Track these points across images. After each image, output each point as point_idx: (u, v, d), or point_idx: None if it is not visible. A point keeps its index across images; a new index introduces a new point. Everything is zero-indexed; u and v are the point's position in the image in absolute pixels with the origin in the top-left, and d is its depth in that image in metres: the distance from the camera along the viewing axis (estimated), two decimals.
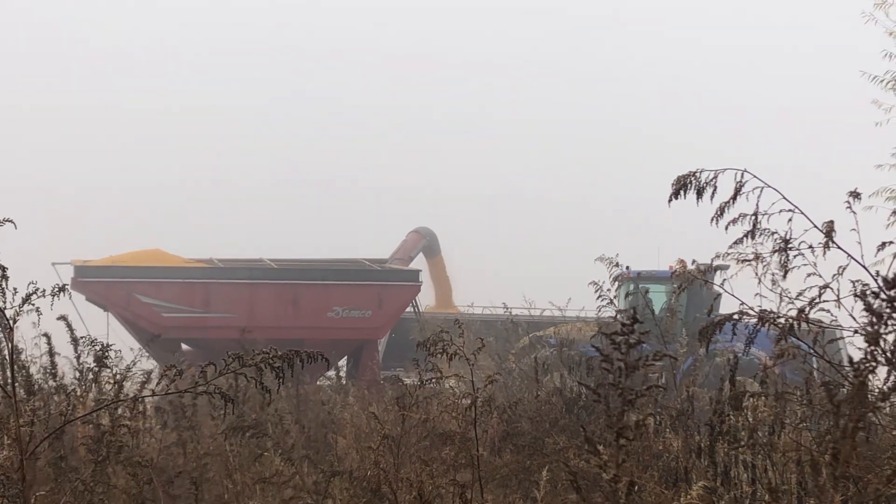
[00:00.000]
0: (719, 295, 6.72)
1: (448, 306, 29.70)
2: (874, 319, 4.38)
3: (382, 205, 52.33)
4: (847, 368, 4.65)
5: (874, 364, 4.39)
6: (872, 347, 4.36)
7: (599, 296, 9.73)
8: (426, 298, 28.33)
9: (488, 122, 63.71)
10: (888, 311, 4.36)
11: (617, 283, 19.14)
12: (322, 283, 23.87)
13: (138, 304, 22.76)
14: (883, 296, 4.41)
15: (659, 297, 19.10)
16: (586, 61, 64.99)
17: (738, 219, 5.51)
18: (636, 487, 6.36)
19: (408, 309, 25.05)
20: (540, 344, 18.88)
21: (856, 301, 4.66)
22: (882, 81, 15.25)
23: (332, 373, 17.84)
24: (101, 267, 23.29)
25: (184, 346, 23.33)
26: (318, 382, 17.36)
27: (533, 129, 61.94)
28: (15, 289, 5.11)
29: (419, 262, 28.75)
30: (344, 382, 16.80)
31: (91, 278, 22.81)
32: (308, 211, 51.27)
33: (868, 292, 4.54)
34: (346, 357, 24.40)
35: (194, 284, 23.27)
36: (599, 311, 9.93)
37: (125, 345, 19.78)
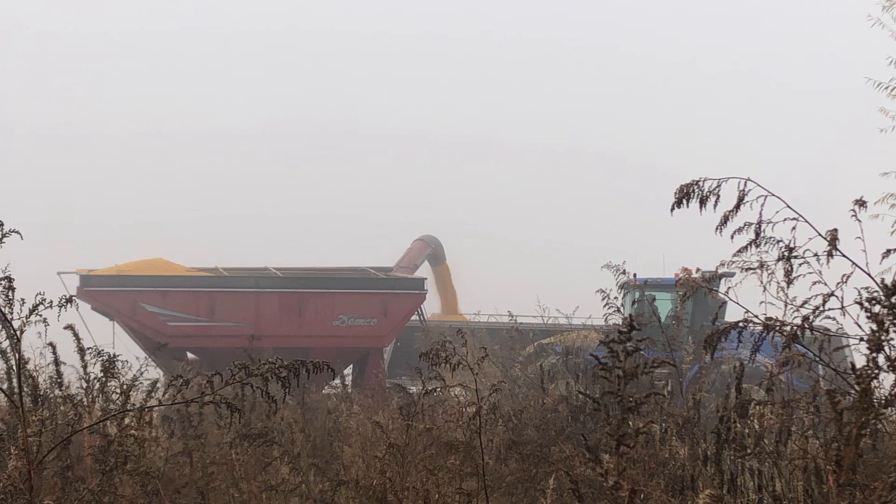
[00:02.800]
0: (724, 303, 6.73)
1: (454, 314, 29.66)
2: (876, 326, 4.39)
3: (387, 213, 52.35)
4: (851, 375, 4.65)
5: (877, 371, 4.40)
6: (874, 354, 4.37)
7: (606, 304, 9.73)
8: (432, 306, 28.34)
9: (492, 124, 63.68)
10: (890, 317, 4.36)
11: (623, 290, 19.23)
12: (327, 291, 23.89)
13: (144, 313, 22.80)
14: (884, 302, 4.42)
15: (664, 305, 19.15)
16: (591, 64, 65.00)
17: (743, 227, 5.52)
18: (642, 496, 6.38)
19: (413, 317, 25.05)
20: (545, 352, 18.89)
21: (861, 309, 4.66)
22: (887, 88, 15.22)
23: (337, 381, 17.87)
24: (106, 276, 23.33)
25: (189, 355, 23.35)
26: (323, 391, 17.38)
27: (537, 131, 61.92)
28: (23, 299, 5.13)
29: (425, 271, 28.75)
30: (350, 391, 16.81)
31: (96, 287, 22.85)
32: (312, 219, 51.27)
33: (869, 298, 4.54)
34: (351, 365, 24.42)
35: (200, 293, 23.30)
36: (606, 318, 9.92)
37: (131, 354, 19.93)
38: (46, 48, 60.25)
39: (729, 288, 6.32)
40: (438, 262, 30.21)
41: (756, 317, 5.52)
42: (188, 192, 54.60)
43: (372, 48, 64.92)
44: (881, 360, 4.46)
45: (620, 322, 9.56)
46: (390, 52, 65.37)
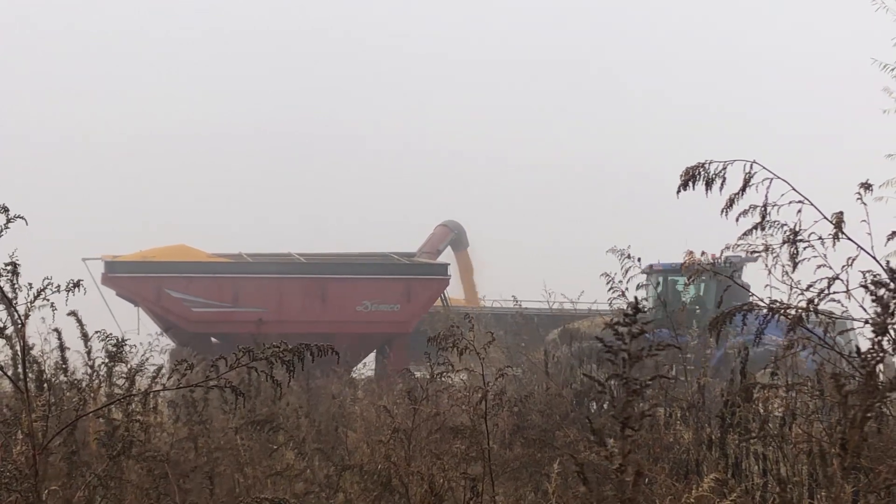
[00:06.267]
0: (729, 286, 6.71)
1: (474, 300, 29.56)
2: (881, 309, 4.38)
3: (408, 197, 52.16)
4: (856, 359, 4.65)
5: (882, 354, 4.39)
6: (879, 337, 4.37)
7: (611, 287, 9.68)
8: (456, 292, 28.20)
9: (506, 113, 63.57)
10: (895, 300, 4.36)
11: (645, 276, 19.31)
12: (351, 277, 23.92)
13: (168, 299, 22.85)
14: (891, 285, 4.41)
15: (687, 290, 19.30)
16: (606, 55, 64.81)
17: (748, 210, 5.50)
18: (647, 480, 6.38)
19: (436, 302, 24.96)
20: (572, 337, 18.91)
21: (866, 292, 4.65)
22: (893, 70, 15.20)
23: (362, 365, 17.79)
24: (131, 262, 23.38)
25: (213, 340, 23.42)
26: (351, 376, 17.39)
27: (552, 122, 61.78)
28: (30, 284, 5.13)
29: (447, 256, 28.65)
30: (353, 377, 16.82)
31: (121, 274, 22.92)
32: (311, 219, 51.14)
33: (875, 282, 4.54)
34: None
35: (224, 279, 23.37)
36: (611, 303, 9.88)
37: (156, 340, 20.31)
38: (52, 50, 60.20)
39: (734, 272, 6.31)
40: (461, 248, 30.10)
41: (761, 300, 5.52)
42: (188, 194, 54.45)
43: (377, 55, 64.86)
44: (886, 343, 4.46)
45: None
46: (396, 62, 65.36)
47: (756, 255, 5.91)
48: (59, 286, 5.13)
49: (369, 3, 68.21)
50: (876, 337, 4.41)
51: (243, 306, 22.95)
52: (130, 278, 22.95)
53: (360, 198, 55.27)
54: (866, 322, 4.73)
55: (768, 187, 5.35)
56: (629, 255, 8.80)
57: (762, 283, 6.32)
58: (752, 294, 5.85)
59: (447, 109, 63.83)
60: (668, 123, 62.94)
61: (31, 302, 5.03)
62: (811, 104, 58.94)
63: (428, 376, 7.52)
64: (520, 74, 66.22)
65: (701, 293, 20.65)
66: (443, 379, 7.68)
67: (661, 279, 20.60)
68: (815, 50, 63.98)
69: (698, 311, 18.90)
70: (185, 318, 22.47)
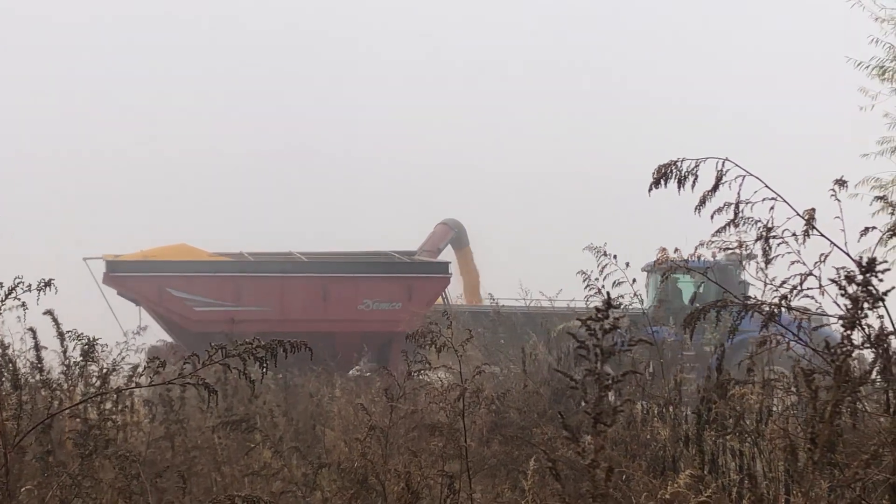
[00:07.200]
0: (702, 283, 6.76)
1: (475, 298, 29.47)
2: (851, 304, 4.41)
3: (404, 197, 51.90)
4: (827, 354, 4.67)
5: (851, 349, 4.42)
6: (849, 332, 4.40)
7: (587, 285, 9.68)
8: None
9: (506, 113, 63.53)
10: (863, 295, 4.39)
11: (646, 273, 19.26)
12: (352, 275, 23.84)
13: (170, 299, 22.74)
14: (858, 279, 4.44)
15: (688, 288, 19.32)
16: (605, 55, 64.80)
17: (722, 208, 5.52)
18: (624, 477, 6.39)
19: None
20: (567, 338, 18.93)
21: (837, 288, 4.68)
22: (867, 67, 15.36)
23: (361, 364, 17.66)
24: (132, 262, 23.27)
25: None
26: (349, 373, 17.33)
27: (554, 122, 61.72)
28: (1, 283, 5.10)
29: (448, 255, 28.56)
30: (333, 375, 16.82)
31: (123, 273, 22.84)
32: (334, 205, 50.80)
33: (845, 277, 4.56)
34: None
35: (225, 278, 23.22)
36: (587, 300, 9.89)
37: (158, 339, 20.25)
38: (56, 54, 59.77)
39: (707, 269, 6.34)
40: (462, 246, 30.03)
41: (736, 297, 5.54)
42: (188, 195, 54.19)
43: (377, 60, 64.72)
44: (856, 337, 4.49)
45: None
46: (399, 70, 65.24)
47: (730, 251, 5.93)
48: (29, 285, 5.10)
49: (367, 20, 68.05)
50: (846, 331, 4.44)
51: (246, 305, 22.93)
52: (132, 278, 22.87)
53: (360, 198, 55.12)
54: (840, 318, 4.76)
55: (741, 185, 5.37)
56: (605, 252, 8.80)
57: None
58: (729, 293, 5.86)
59: (445, 113, 63.70)
60: (669, 123, 62.85)
61: (2, 301, 5.00)
62: (811, 104, 59.05)
63: (406, 373, 7.52)
64: (524, 77, 66.10)
65: (700, 290, 20.67)
66: (421, 377, 7.68)
67: (660, 277, 20.59)
68: (816, 50, 64.18)
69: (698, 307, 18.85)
70: (187, 317, 22.47)
